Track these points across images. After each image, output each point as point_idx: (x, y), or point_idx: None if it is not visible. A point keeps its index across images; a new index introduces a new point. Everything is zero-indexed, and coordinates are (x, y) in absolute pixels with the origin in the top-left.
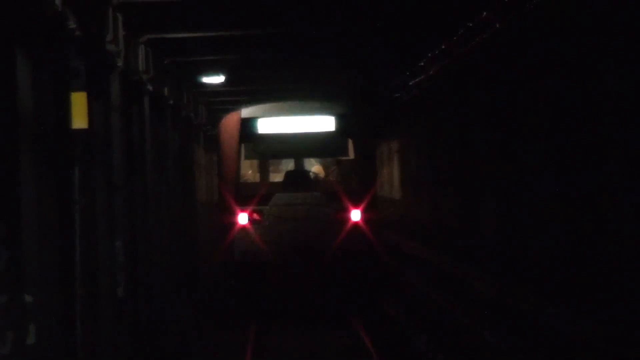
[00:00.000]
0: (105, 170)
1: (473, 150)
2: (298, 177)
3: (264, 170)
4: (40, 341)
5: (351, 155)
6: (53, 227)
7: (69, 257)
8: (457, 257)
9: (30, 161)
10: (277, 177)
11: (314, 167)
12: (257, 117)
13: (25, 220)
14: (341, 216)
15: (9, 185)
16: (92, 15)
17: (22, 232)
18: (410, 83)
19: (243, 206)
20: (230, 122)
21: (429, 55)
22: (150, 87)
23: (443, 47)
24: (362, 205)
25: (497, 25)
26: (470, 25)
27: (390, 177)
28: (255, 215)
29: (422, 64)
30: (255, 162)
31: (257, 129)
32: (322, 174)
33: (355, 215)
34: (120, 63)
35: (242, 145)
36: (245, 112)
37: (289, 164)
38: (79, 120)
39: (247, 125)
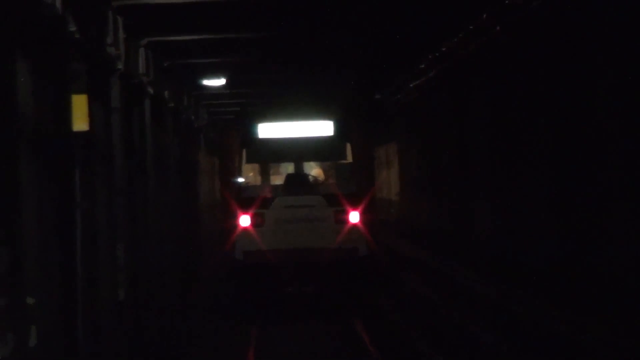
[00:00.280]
0: (106, 172)
1: (470, 153)
2: (298, 180)
3: (265, 174)
4: (41, 343)
5: (350, 158)
6: (54, 230)
7: (70, 260)
8: (450, 258)
9: (31, 164)
10: (277, 180)
11: (314, 170)
12: (258, 122)
13: (26, 222)
14: (340, 218)
15: (9, 188)
16: (93, 18)
17: (23, 235)
18: (410, 85)
19: (245, 209)
20: (231, 126)
21: (429, 57)
22: (150, 90)
23: (443, 49)
24: (361, 208)
25: (497, 28)
26: (471, 28)
27: (389, 180)
28: (256, 218)
29: (423, 66)
30: (256, 165)
31: (258, 134)
32: (321, 177)
33: (354, 217)
34: (120, 66)
35: (244, 149)
36: (247, 117)
37: (289, 168)
38: (80, 122)
39: (249, 130)
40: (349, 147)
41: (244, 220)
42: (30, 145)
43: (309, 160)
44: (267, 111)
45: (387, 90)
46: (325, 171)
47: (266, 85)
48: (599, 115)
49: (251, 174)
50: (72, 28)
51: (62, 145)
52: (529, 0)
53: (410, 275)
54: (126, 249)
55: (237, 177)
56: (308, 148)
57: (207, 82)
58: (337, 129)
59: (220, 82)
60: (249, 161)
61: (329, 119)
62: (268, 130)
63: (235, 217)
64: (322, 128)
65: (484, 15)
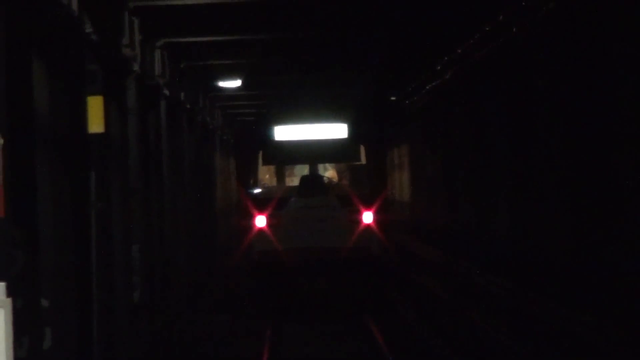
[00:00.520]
0: (122, 174)
1: (488, 155)
2: (312, 182)
3: (280, 176)
4: (56, 345)
5: (363, 160)
6: (69, 231)
7: (85, 262)
8: (462, 257)
9: (47, 165)
10: (293, 182)
11: (328, 172)
12: (274, 125)
13: (42, 224)
14: (353, 218)
15: (25, 190)
16: (108, 19)
17: (38, 237)
18: (427, 87)
19: (261, 209)
20: (248, 129)
21: (445, 58)
22: (166, 92)
23: (459, 51)
24: (374, 208)
25: (514, 29)
26: (487, 29)
27: (405, 181)
28: (272, 218)
29: (438, 67)
30: (272, 167)
31: (273, 136)
32: (335, 178)
33: (367, 217)
34: (136, 67)
35: (260, 151)
36: (263, 119)
37: (304, 169)
38: (96, 124)
39: (265, 132)
40: (362, 149)
41: (260, 221)
42: (46, 147)
43: (323, 162)
44: (283, 114)
45: (402, 92)
46: (339, 172)
47: (281, 87)
48: (618, 114)
49: (267, 176)
50: (88, 29)
51: (77, 147)
52: (546, 1)
53: (420, 275)
54: (141, 250)
55: (253, 179)
56: (323, 150)
57: (222, 84)
58: (352, 131)
59: (235, 83)
60: (265, 163)
61: (344, 121)
62: (284, 132)
63: (251, 218)
64: (337, 130)
65: (500, 17)
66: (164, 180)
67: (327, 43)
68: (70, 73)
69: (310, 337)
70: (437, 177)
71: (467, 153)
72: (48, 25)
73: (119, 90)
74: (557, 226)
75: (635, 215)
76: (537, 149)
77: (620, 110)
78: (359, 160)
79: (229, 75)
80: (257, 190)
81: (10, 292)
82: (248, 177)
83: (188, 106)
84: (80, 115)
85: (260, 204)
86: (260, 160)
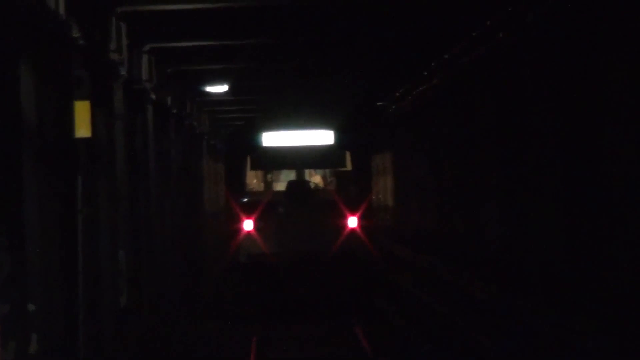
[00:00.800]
0: (109, 179)
1: (476, 159)
2: (299, 187)
3: (267, 181)
4: (42, 350)
5: (348, 166)
6: (56, 236)
7: (72, 266)
8: (451, 262)
9: (34, 170)
10: (279, 187)
11: (314, 177)
12: (261, 131)
13: (28, 229)
14: (339, 223)
15: (12, 194)
16: (96, 24)
17: (25, 241)
18: (413, 93)
19: (248, 213)
20: (236, 134)
21: (432, 64)
22: (153, 96)
23: (446, 56)
24: (359, 213)
25: (500, 35)
26: (474, 35)
27: (389, 187)
28: (259, 222)
29: (425, 73)
30: (259, 172)
31: (261, 142)
32: (321, 183)
33: (352, 222)
34: (123, 72)
35: (248, 156)
36: (250, 125)
37: (290, 175)
38: (82, 129)
39: (252, 138)
40: (348, 155)
41: (248, 225)
42: (33, 151)
43: (309, 167)
44: (271, 120)
45: (388, 97)
46: (325, 178)
47: (268, 92)
48: (608, 118)
49: (255, 180)
50: (76, 34)
51: (64, 152)
52: (533, 7)
53: (404, 276)
54: (128, 255)
55: (240, 183)
56: (309, 156)
57: (210, 89)
58: (338, 137)
59: (223, 88)
60: (252, 168)
61: (330, 128)
62: (271, 138)
63: (239, 222)
64: (323, 137)
65: (488, 23)
66: (151, 184)
67: (314, 49)
68: (57, 77)
69: (295, 340)
70: (425, 182)
71: (453, 158)
72: (35, 30)
73: (106, 94)
74: (547, 230)
75: (627, 219)
76: (526, 153)
77: (611, 110)
78: (344, 166)
79: (216, 80)
80: (244, 195)
81: None
82: (236, 181)
83: (175, 111)
84: (67, 120)
85: (248, 208)
86: (248, 165)
